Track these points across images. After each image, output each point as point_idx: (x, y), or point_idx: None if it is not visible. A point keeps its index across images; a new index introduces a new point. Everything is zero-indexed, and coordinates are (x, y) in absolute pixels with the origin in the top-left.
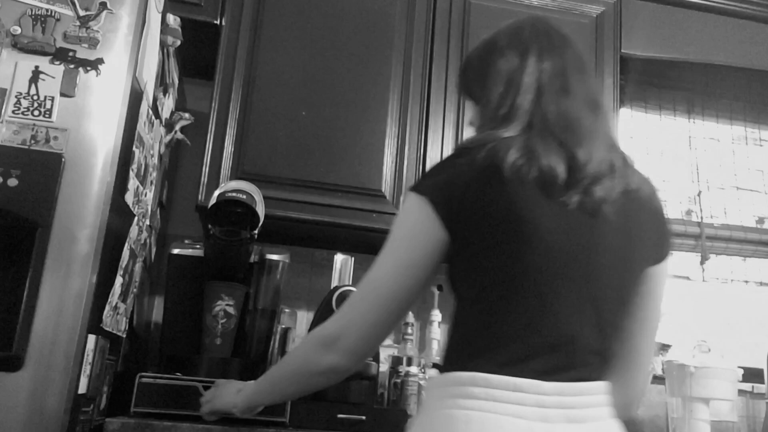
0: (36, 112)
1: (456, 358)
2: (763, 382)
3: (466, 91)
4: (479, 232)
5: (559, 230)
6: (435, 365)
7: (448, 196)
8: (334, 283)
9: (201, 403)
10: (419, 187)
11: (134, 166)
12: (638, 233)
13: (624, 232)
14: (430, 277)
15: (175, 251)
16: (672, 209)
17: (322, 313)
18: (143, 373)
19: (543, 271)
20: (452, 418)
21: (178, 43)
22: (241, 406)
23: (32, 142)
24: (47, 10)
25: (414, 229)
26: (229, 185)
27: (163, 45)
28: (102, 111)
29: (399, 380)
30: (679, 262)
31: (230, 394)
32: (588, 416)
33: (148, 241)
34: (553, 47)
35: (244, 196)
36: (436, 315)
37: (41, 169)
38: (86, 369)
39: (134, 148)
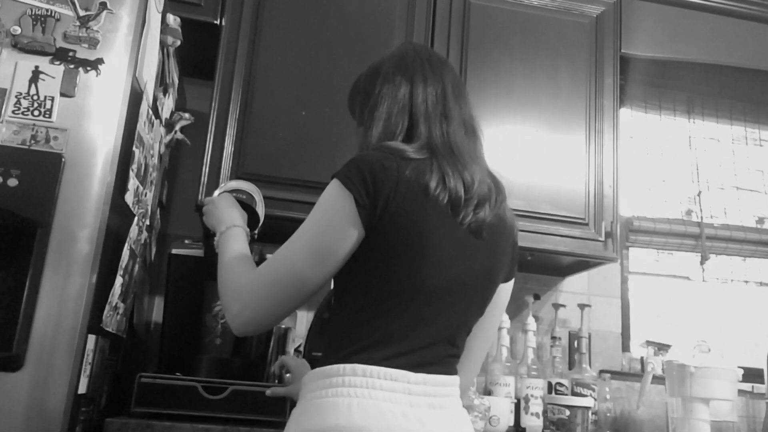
0: (36, 112)
1: (339, 353)
2: (763, 382)
3: (354, 114)
4: (389, 242)
5: (453, 253)
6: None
7: (374, 199)
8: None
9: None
10: (346, 180)
11: (134, 166)
12: (501, 254)
13: (492, 252)
14: (340, 267)
15: (175, 251)
16: (672, 209)
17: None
18: (143, 373)
19: (433, 289)
20: (335, 405)
21: (178, 43)
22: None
23: (32, 142)
24: (47, 10)
25: (336, 221)
26: (229, 185)
27: (163, 45)
28: (102, 111)
29: None
30: (679, 262)
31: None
32: (445, 404)
33: (148, 241)
34: (435, 73)
35: (244, 196)
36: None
37: (41, 169)
38: (86, 369)
39: (134, 148)
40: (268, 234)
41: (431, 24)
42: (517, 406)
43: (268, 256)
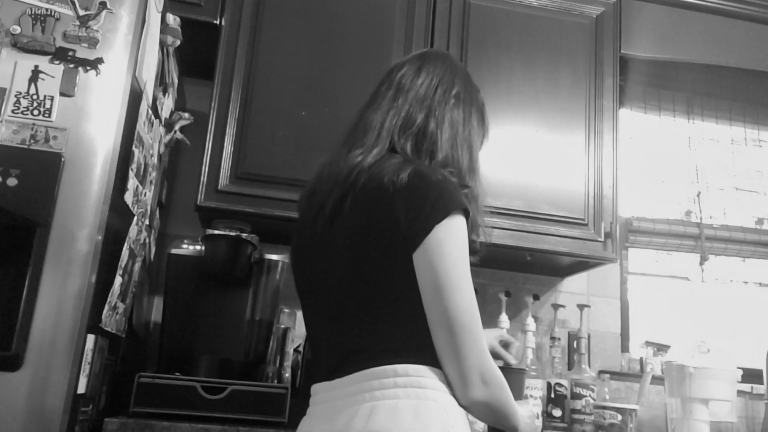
0: (35, 112)
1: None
2: (762, 383)
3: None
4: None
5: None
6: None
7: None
8: None
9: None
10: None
11: (134, 166)
12: (369, 230)
13: (347, 235)
14: None
15: (175, 251)
16: (671, 210)
17: None
18: (142, 373)
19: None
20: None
21: (178, 43)
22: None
23: (32, 141)
24: (47, 9)
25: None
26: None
27: (163, 45)
28: (101, 111)
29: None
30: (678, 262)
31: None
32: (341, 406)
33: (147, 240)
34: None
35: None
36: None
37: (41, 169)
38: (85, 369)
39: (134, 148)
40: (268, 233)
41: (431, 24)
42: None
43: (268, 256)
